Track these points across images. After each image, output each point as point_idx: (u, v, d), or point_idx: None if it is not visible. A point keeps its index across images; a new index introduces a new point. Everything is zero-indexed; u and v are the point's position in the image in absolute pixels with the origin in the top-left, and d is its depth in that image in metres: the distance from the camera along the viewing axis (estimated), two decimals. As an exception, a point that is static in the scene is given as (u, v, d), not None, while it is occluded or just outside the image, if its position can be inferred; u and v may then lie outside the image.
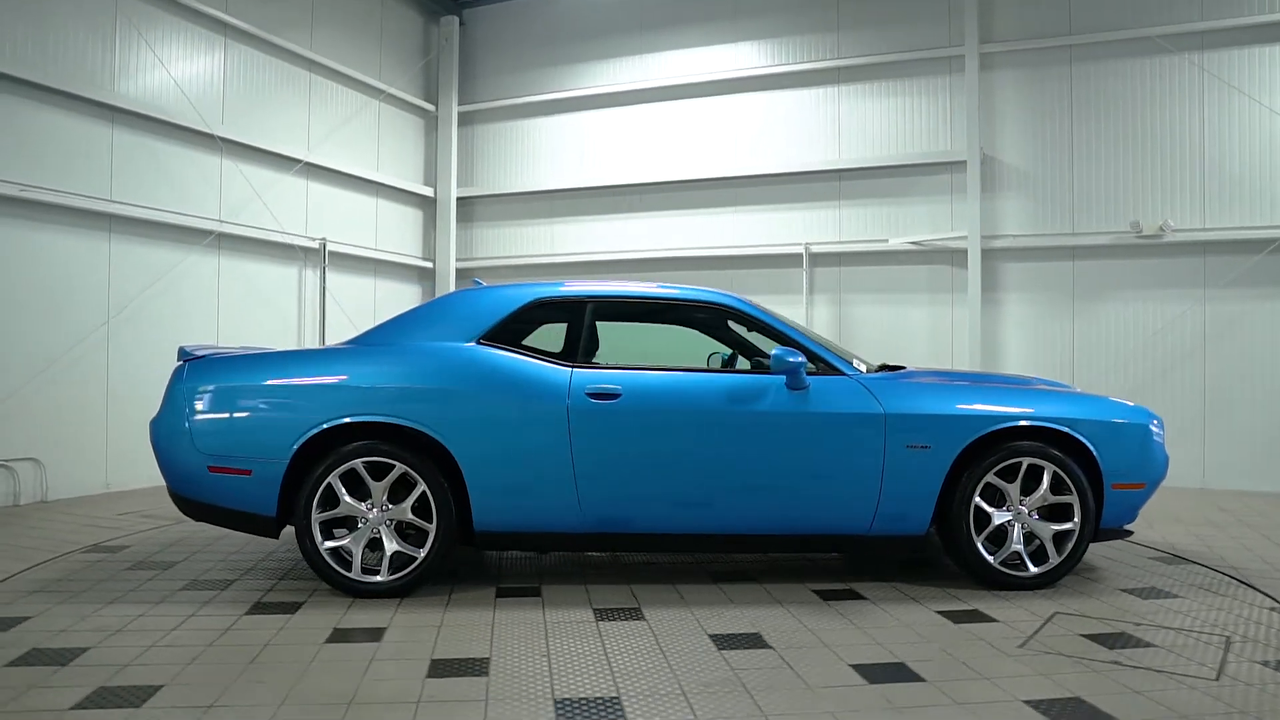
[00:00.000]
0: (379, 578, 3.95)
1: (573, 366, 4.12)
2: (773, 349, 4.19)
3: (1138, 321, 8.65)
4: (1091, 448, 4.31)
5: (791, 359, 4.07)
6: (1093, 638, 3.56)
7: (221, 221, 8.44)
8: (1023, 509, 4.29)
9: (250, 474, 3.89)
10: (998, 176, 9.13)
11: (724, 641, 3.48)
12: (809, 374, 4.19)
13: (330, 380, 3.98)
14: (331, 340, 9.65)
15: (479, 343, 4.15)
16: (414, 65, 11.20)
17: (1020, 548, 4.29)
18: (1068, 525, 4.28)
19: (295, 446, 3.88)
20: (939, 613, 3.91)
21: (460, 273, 11.42)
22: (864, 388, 4.26)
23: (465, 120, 11.48)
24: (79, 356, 7.23)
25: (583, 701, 2.82)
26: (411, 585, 3.97)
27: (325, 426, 3.89)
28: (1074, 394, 4.62)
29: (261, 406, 3.97)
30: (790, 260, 9.84)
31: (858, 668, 3.20)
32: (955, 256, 9.29)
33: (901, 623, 3.77)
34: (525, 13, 11.23)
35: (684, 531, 4.22)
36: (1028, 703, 2.86)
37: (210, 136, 8.30)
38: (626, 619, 3.77)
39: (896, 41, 9.52)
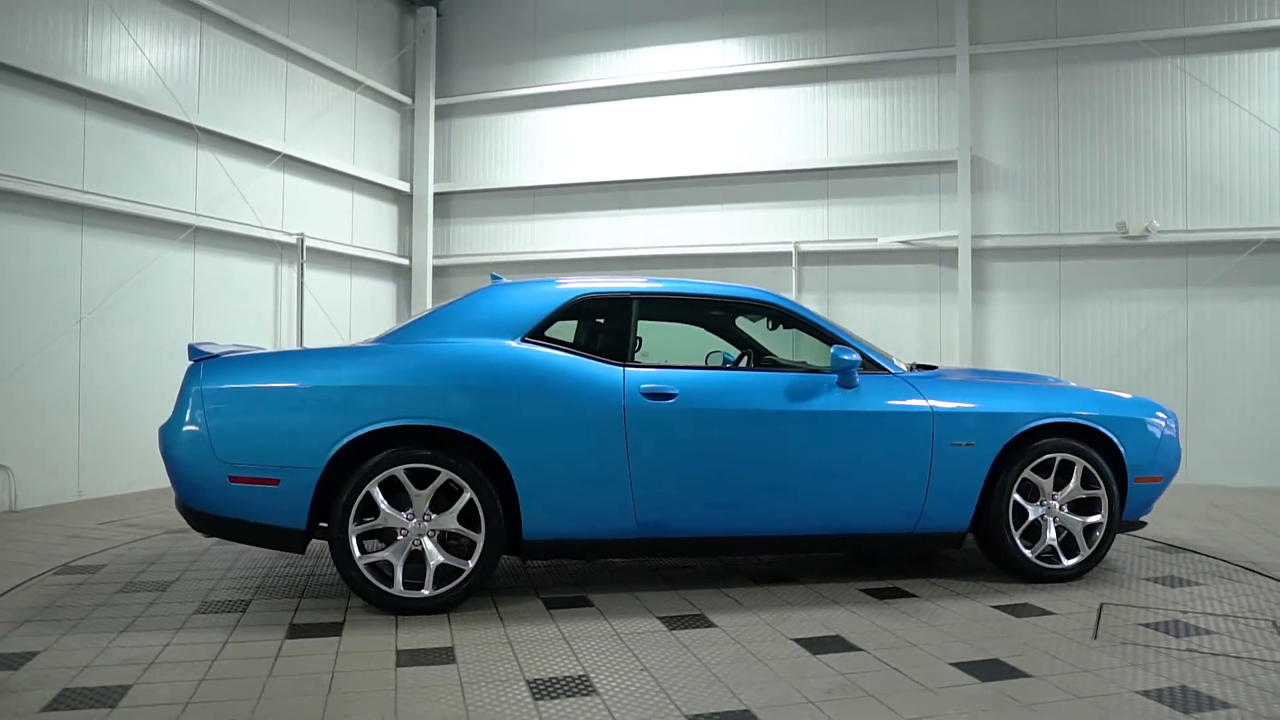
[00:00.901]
0: (424, 592, 3.67)
1: (623, 365, 3.97)
2: (830, 349, 4.20)
3: (1122, 320, 8.81)
4: (1118, 443, 4.46)
5: (849, 356, 4.08)
6: (1152, 627, 3.67)
7: (198, 215, 8.04)
8: (1053, 503, 4.41)
9: (277, 484, 3.57)
10: (985, 177, 9.21)
11: (811, 645, 3.42)
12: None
13: (370, 381, 3.70)
14: (310, 340, 9.30)
15: (523, 341, 3.94)
16: (390, 57, 10.88)
17: (1055, 541, 4.39)
18: (1097, 518, 4.43)
19: (331, 453, 3.59)
20: (994, 608, 3.94)
21: (438, 270, 11.12)
22: (911, 386, 4.31)
23: (442, 114, 11.19)
24: (50, 356, 6.80)
25: (716, 717, 2.69)
26: (458, 600, 3.73)
27: (365, 431, 3.62)
28: (1098, 391, 4.71)
29: (292, 409, 3.63)
30: (779, 259, 9.80)
31: (961, 666, 3.18)
32: (944, 256, 9.35)
33: (967, 618, 3.78)
34: (505, 5, 10.98)
35: (737, 534, 4.14)
36: (1140, 693, 2.91)
37: (186, 126, 7.91)
38: (698, 626, 3.63)
39: (885, 41, 9.54)
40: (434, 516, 3.70)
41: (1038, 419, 4.31)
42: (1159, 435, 4.62)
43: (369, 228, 10.57)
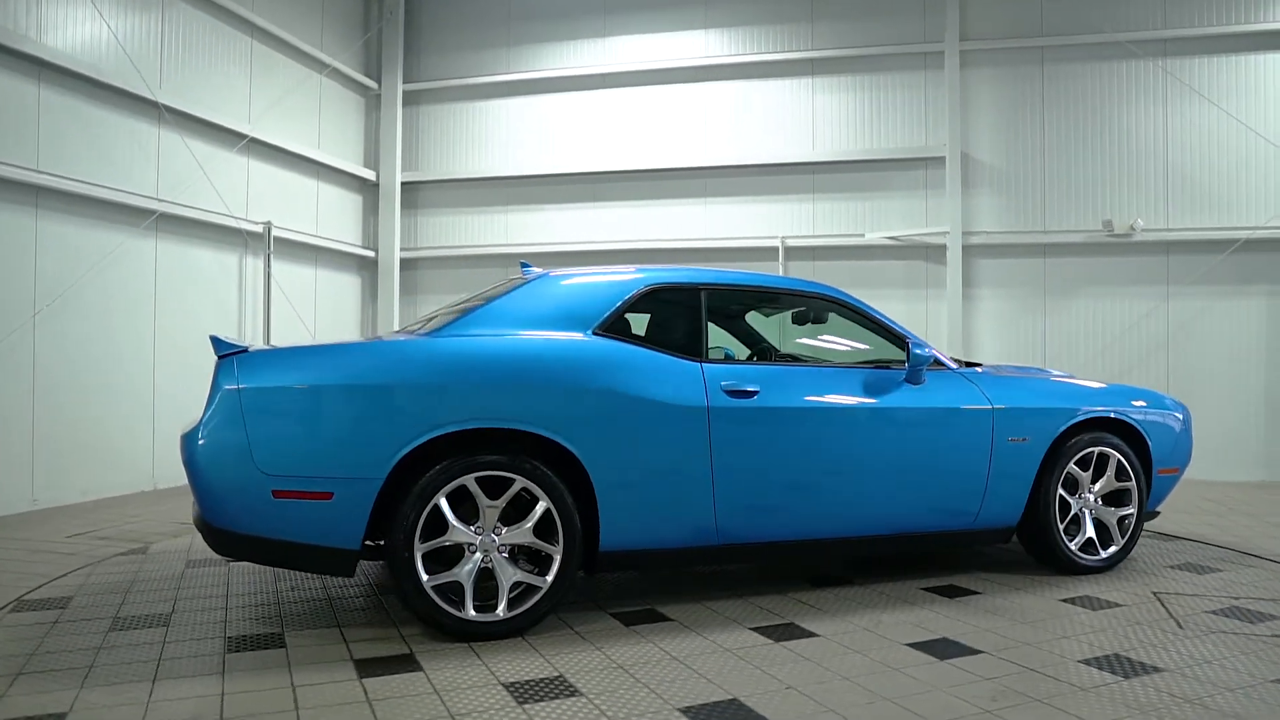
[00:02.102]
0: (499, 614, 3.25)
1: (699, 361, 3.70)
2: (887, 343, 4.21)
3: (1106, 317, 8.92)
4: (1145, 436, 4.62)
5: (926, 352, 4.03)
6: (1221, 614, 3.74)
7: (161, 200, 7.44)
8: (1089, 496, 4.49)
9: (331, 498, 3.08)
10: (971, 173, 9.23)
11: (928, 649, 3.27)
12: (896, 367, 4.17)
13: (440, 379, 3.25)
14: (279, 338, 8.74)
15: (596, 334, 3.60)
16: (356, 39, 10.34)
17: (1093, 533, 4.49)
18: (1129, 509, 4.55)
19: (395, 461, 3.14)
20: (1062, 601, 3.96)
21: (405, 263, 10.62)
22: (970, 382, 4.28)
23: (410, 100, 10.70)
24: (2, 352, 6.17)
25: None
26: (534, 622, 3.33)
27: (435, 435, 3.19)
28: (1124, 386, 4.81)
29: (350, 412, 3.14)
30: (765, 253, 9.64)
31: (1089, 663, 3.12)
32: (931, 252, 9.33)
33: (1047, 613, 3.75)
34: (476, -12, 10.56)
35: (812, 537, 3.92)
36: (1276, 682, 2.91)
37: (149, 103, 7.31)
38: (799, 636, 3.40)
39: (870, 35, 9.48)
40: (504, 530, 3.31)
41: (1081, 414, 4.40)
42: (1178, 429, 4.82)
43: (334, 218, 10.03)
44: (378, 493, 3.13)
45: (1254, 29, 8.57)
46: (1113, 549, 4.49)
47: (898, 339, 4.20)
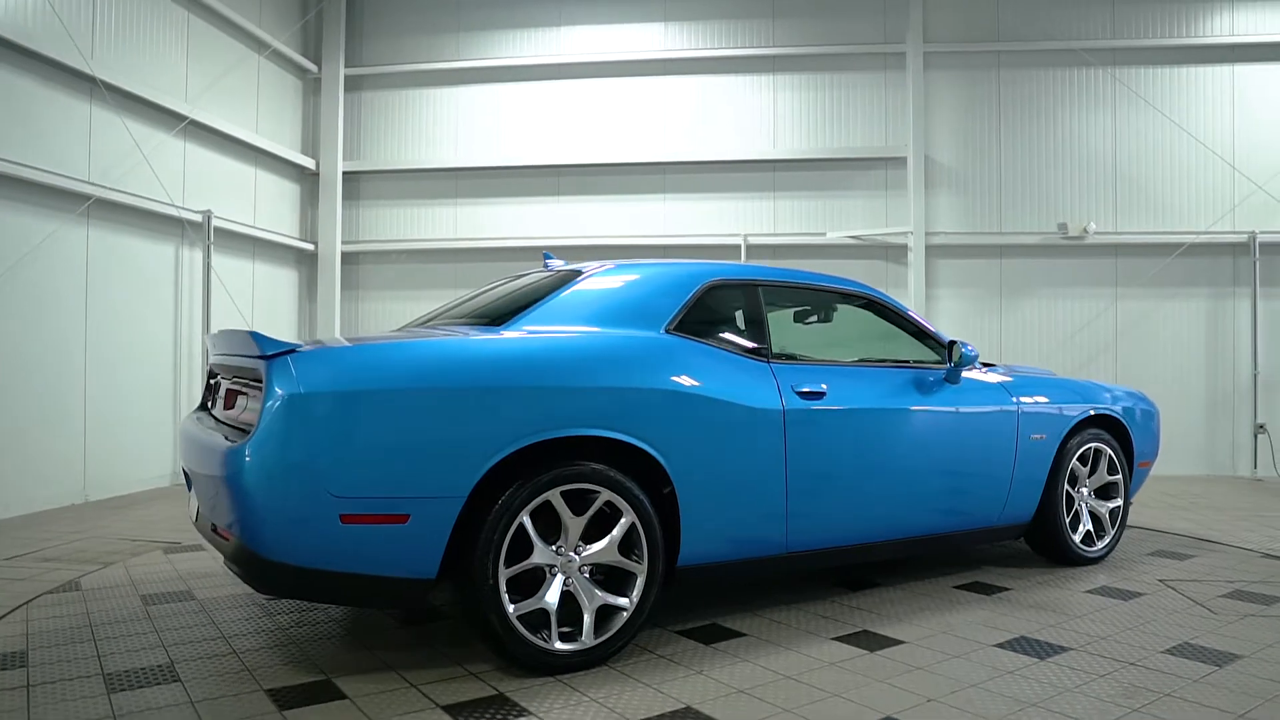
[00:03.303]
0: (585, 642, 2.91)
1: (767, 360, 3.51)
2: (918, 343, 4.20)
3: (1059, 317, 9.17)
4: (1130, 431, 4.84)
5: (973, 352, 4.10)
6: (1234, 597, 3.96)
7: (94, 184, 6.76)
8: (1084, 490, 4.67)
9: (407, 521, 2.66)
10: (930, 174, 9.33)
11: (1019, 648, 3.25)
12: (933, 367, 4.17)
13: (527, 381, 2.87)
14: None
15: (668, 333, 3.33)
16: (295, 19, 9.70)
17: (1090, 526, 4.65)
18: (1118, 502, 4.77)
19: (481, 474, 2.75)
20: (1088, 593, 4.07)
21: (346, 256, 10.04)
22: (997, 381, 4.38)
23: (352, 85, 10.12)
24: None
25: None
26: (619, 648, 3.01)
27: (525, 444, 2.81)
28: (1106, 384, 5.02)
29: (429, 419, 2.71)
30: (728, 252, 9.52)
31: (1174, 652, 3.18)
32: (890, 252, 9.40)
33: (1090, 606, 3.83)
34: (423, -31, 10.07)
35: (868, 541, 3.82)
36: None
37: (80, 76, 6.63)
38: (890, 645, 3.27)
39: (831, 34, 9.47)
40: (586, 548, 3.00)
41: (1085, 411, 4.58)
42: (1153, 424, 5.11)
43: (271, 207, 9.39)
44: (459, 512, 2.74)
45: (1196, 42, 8.96)
46: (1106, 540, 4.71)
47: (934, 338, 4.22)
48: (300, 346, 2.74)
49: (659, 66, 9.72)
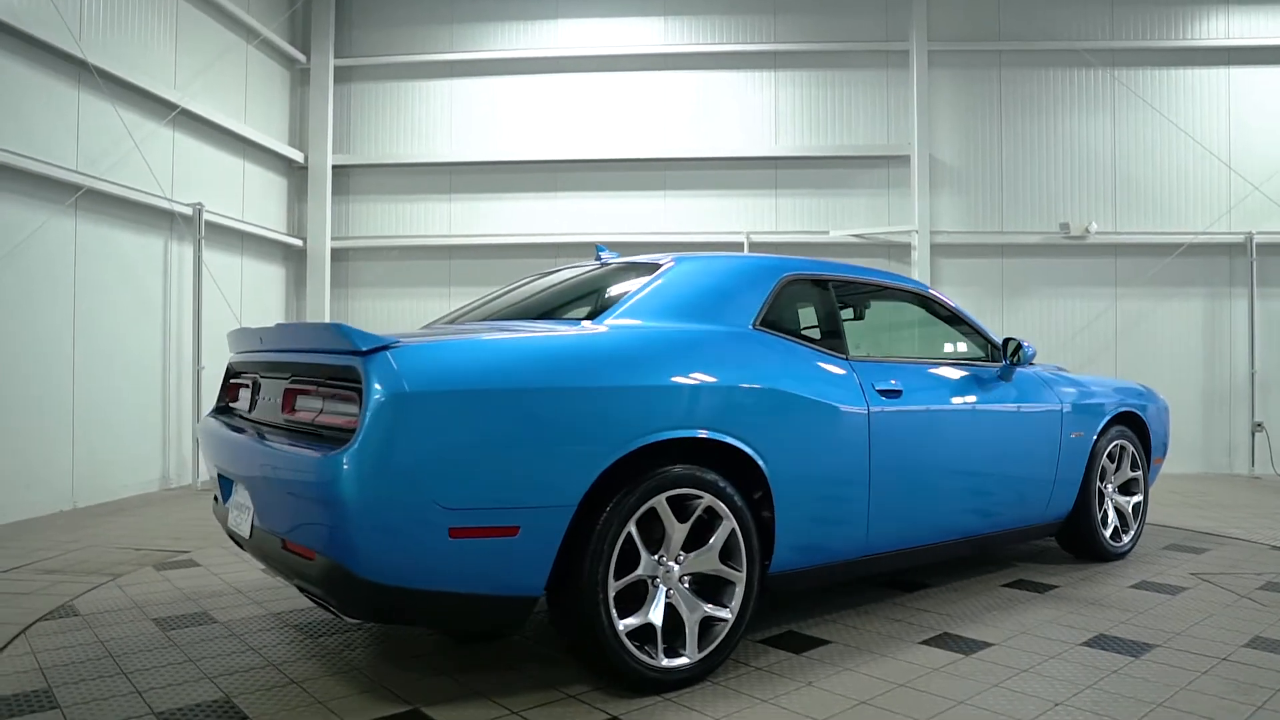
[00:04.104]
0: (689, 658, 2.71)
1: (846, 358, 3.37)
2: (966, 340, 4.19)
3: (1060, 317, 9.18)
4: (1149, 428, 4.88)
5: (1033, 350, 4.11)
6: (1270, 589, 4.05)
7: (83, 174, 6.42)
8: (1109, 486, 4.68)
9: (516, 533, 2.41)
10: (932, 173, 9.29)
11: (1111, 646, 3.22)
12: (978, 365, 4.11)
13: (644, 380, 2.67)
14: (211, 333, 7.76)
15: (757, 329, 3.16)
16: (283, 8, 9.37)
17: (1117, 523, 4.69)
18: (1139, 498, 4.81)
19: (593, 480, 2.53)
20: (1131, 588, 4.09)
21: (335, 253, 9.72)
22: (1041, 380, 4.36)
23: (342, 76, 9.81)
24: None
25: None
26: (720, 661, 2.81)
27: (636, 447, 2.60)
28: (1130, 382, 5.06)
29: (543, 422, 2.47)
30: (729, 249, 9.39)
31: (1255, 646, 3.19)
32: (893, 250, 9.35)
33: (1147, 602, 3.84)
34: (415, -41, 9.80)
35: (937, 541, 3.75)
36: None
37: (69, 59, 6.29)
38: (982, 648, 3.17)
39: (832, 31, 9.40)
40: (686, 556, 2.77)
41: (1116, 408, 4.60)
42: (1166, 419, 5.20)
43: (259, 201, 9.05)
44: (570, 521, 2.51)
45: (1193, 44, 9.03)
46: (1130, 535, 4.75)
47: (983, 335, 4.20)
48: (400, 342, 2.44)
49: (659, 61, 9.57)
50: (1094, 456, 4.45)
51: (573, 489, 2.49)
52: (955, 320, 4.18)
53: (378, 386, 2.30)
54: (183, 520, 5.95)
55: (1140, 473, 4.80)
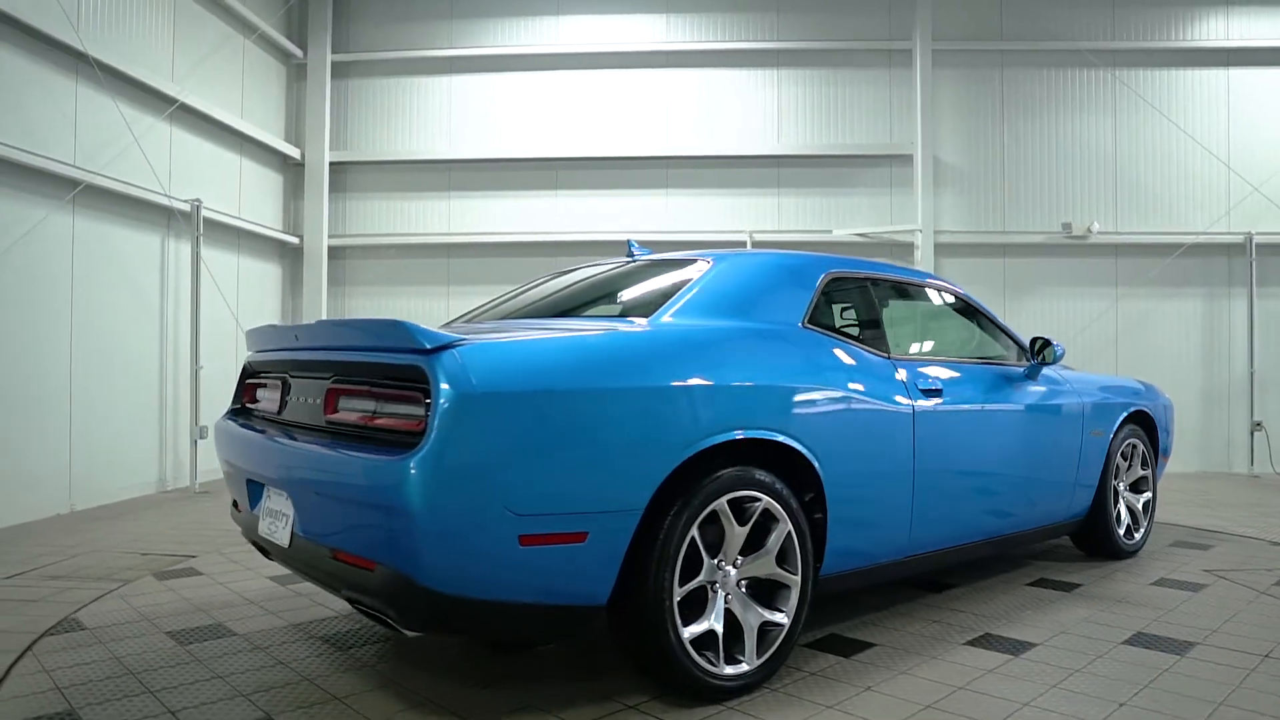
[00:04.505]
0: (748, 665, 2.63)
1: (889, 357, 3.32)
2: (995, 339, 4.14)
3: (1063, 316, 9.20)
4: (1157, 427, 4.93)
5: (1062, 350, 4.10)
6: None
7: (82, 169, 6.27)
8: (1120, 484, 4.70)
9: (584, 540, 2.31)
10: (935, 172, 9.28)
11: (1156, 645, 3.21)
12: (1007, 364, 4.10)
13: (712, 379, 2.60)
14: (208, 333, 7.62)
15: (806, 327, 3.09)
16: (280, 1, 9.23)
17: (1129, 520, 4.72)
18: (1149, 495, 4.84)
19: (660, 483, 2.42)
20: (1153, 585, 4.13)
21: (331, 251, 9.58)
22: (1066, 379, 4.38)
23: (339, 72, 9.67)
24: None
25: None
26: (777, 668, 2.74)
27: (702, 448, 2.51)
28: (1134, 381, 5.07)
29: (612, 423, 2.38)
30: (731, 249, 9.32)
31: None
32: (895, 250, 9.32)
33: (1173, 600, 3.86)
34: (413, -47, 9.68)
35: (972, 540, 3.72)
36: None
37: (67, 50, 6.14)
38: (1030, 648, 3.16)
39: (835, 29, 9.36)
40: (743, 560, 2.69)
41: (1129, 407, 4.62)
42: (1172, 418, 5.24)
43: (256, 198, 8.90)
44: (638, 525, 2.41)
45: (1193, 45, 9.07)
46: (1141, 533, 4.77)
47: (1009, 334, 4.20)
48: (466, 340, 2.30)
49: (661, 59, 9.50)
50: (1110, 455, 4.48)
51: (641, 492, 2.40)
52: (983, 319, 4.18)
53: (447, 386, 2.17)
54: (182, 524, 5.82)
55: (1149, 471, 4.84)
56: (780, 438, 2.71)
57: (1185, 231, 9.04)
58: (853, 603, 3.77)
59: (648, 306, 2.97)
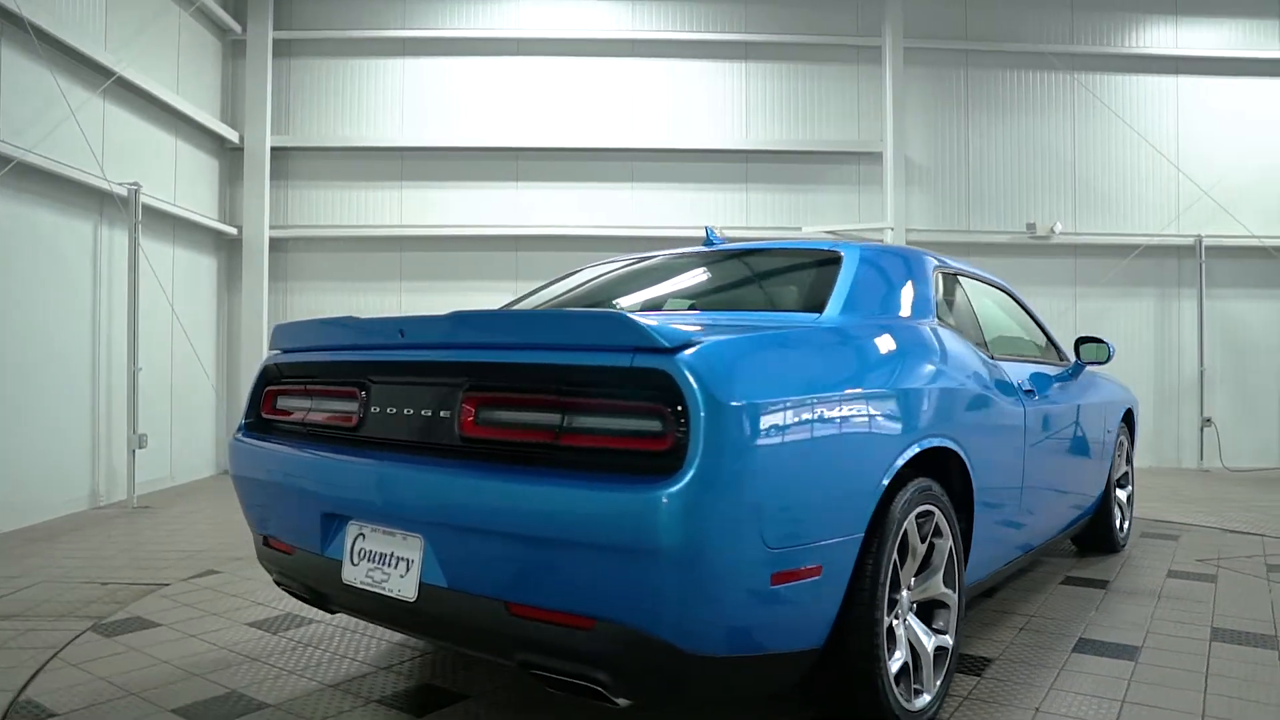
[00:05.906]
0: (927, 695, 2.34)
1: (990, 355, 3.11)
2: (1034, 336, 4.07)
3: (1024, 316, 9.29)
4: (1135, 424, 5.09)
5: (1113, 348, 4.08)
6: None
7: (12, 145, 5.55)
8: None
9: (820, 573, 1.95)
10: (902, 171, 9.24)
11: (1240, 640, 3.23)
12: (1057, 362, 4.06)
13: (933, 382, 2.43)
14: (147, 327, 6.91)
15: (940, 324, 2.85)
16: (215, -33, 8.50)
17: (1119, 514, 4.77)
18: (1130, 489, 4.98)
19: (877, 502, 2.11)
20: (1170, 578, 4.18)
21: (274, 242, 8.90)
22: (1099, 378, 4.46)
23: (281, 50, 8.99)
24: None
25: None
26: (945, 693, 2.46)
27: (909, 458, 2.23)
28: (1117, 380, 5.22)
29: (840, 436, 2.05)
30: (698, 244, 9.07)
31: None
32: (863, 248, 9.24)
33: (1202, 593, 3.89)
34: (362, -74, 9.08)
35: (1045, 542, 3.67)
36: None
37: (-6, 11, 5.42)
38: (1133, 650, 3.08)
39: (804, 23, 9.23)
40: (913, 581, 2.41)
41: (1127, 405, 4.75)
42: (1138, 414, 5.36)
43: (191, 184, 8.17)
44: (860, 552, 2.07)
45: (1145, 52, 9.30)
46: (1128, 525, 4.90)
47: (1047, 334, 4.19)
48: (704, 339, 1.86)
49: (626, 47, 9.18)
50: (1114, 451, 4.55)
51: (863, 514, 2.07)
52: (1033, 317, 4.10)
53: (708, 396, 1.72)
54: (132, 545, 5.19)
55: (1130, 466, 4.98)
56: (949, 444, 2.45)
57: (1139, 233, 9.26)
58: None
59: (807, 300, 2.64)
